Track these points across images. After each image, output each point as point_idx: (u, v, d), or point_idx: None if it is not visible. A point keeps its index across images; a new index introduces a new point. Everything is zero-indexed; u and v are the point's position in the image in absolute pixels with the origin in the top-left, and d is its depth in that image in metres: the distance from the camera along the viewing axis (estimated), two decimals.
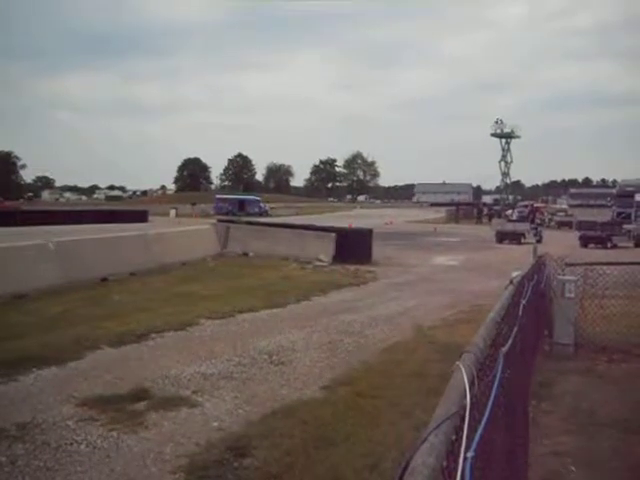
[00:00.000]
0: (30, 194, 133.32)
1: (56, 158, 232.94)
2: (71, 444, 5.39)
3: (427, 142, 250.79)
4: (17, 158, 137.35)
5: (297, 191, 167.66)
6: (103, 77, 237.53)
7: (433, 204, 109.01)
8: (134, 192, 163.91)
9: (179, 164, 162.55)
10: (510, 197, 79.45)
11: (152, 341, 9.21)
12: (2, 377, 7.14)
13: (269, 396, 6.86)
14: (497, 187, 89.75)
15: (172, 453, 5.29)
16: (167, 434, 5.69)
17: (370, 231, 22.50)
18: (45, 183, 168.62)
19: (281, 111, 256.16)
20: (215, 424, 5.97)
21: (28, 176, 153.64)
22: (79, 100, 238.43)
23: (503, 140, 76.96)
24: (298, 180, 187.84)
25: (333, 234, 21.36)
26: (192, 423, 5.99)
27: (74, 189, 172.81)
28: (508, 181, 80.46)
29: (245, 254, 21.21)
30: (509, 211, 52.75)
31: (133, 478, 4.89)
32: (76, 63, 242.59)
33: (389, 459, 5.07)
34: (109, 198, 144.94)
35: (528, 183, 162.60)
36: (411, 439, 5.60)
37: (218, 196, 79.64)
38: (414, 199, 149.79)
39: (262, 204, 72.41)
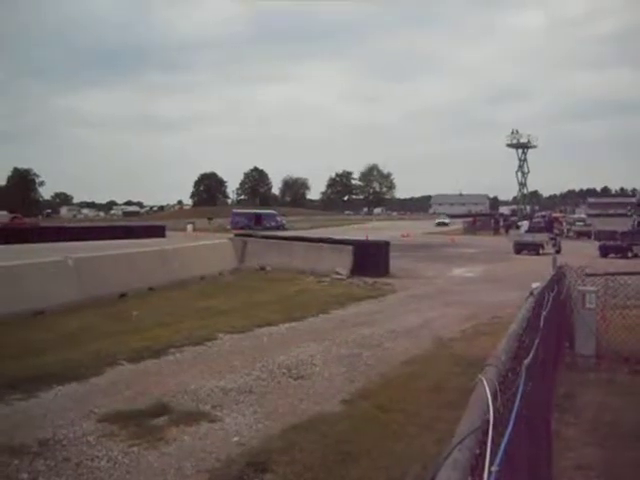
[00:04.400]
0: (48, 211, 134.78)
1: (74, 174, 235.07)
2: (92, 460, 5.40)
3: (443, 153, 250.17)
4: (36, 175, 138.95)
5: (313, 204, 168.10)
6: (120, 93, 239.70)
7: (450, 216, 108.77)
8: (151, 207, 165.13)
9: (195, 179, 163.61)
10: (527, 207, 78.99)
11: (171, 356, 9.23)
12: (23, 393, 7.18)
13: (289, 410, 6.85)
14: (514, 197, 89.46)
15: (192, 468, 5.28)
16: (187, 449, 5.69)
17: (387, 243, 22.46)
18: (63, 199, 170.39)
19: (297, 124, 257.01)
20: (235, 439, 5.97)
21: (47, 193, 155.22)
22: (96, 116, 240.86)
23: (519, 150, 76.67)
24: (314, 193, 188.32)
25: (350, 247, 21.36)
26: (212, 438, 5.99)
27: (92, 205, 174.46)
28: (525, 191, 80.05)
29: (262, 268, 21.23)
30: (521, 222, 52.18)
31: None
32: (93, 80, 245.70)
33: (411, 473, 5.04)
34: (126, 214, 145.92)
35: (546, 193, 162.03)
36: (433, 453, 5.57)
37: (235, 210, 79.93)
38: (430, 211, 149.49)
39: (279, 218, 72.53)
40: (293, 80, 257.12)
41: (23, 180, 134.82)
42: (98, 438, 5.88)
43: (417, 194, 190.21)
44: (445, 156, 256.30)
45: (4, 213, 64.04)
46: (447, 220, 76.57)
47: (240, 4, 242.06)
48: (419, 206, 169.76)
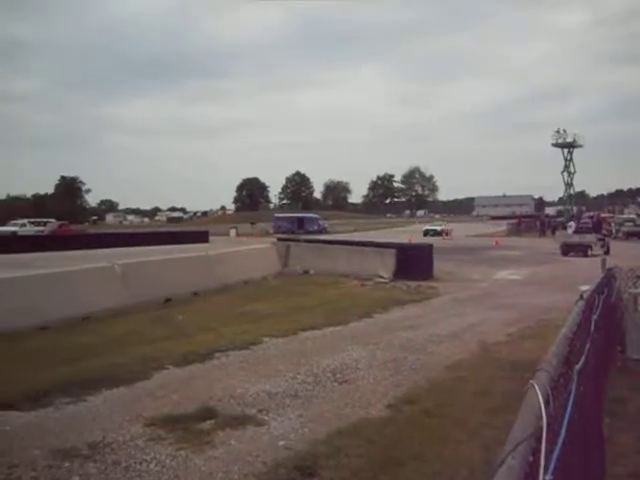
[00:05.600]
0: (95, 217, 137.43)
1: (119, 182, 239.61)
2: (141, 463, 5.47)
3: (487, 154, 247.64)
4: (82, 183, 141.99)
5: (355, 208, 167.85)
6: (162, 101, 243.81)
7: (493, 217, 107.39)
8: (195, 213, 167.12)
9: (238, 184, 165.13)
10: (574, 208, 77.50)
11: (217, 360, 9.31)
12: (73, 397, 7.32)
13: (334, 415, 6.83)
14: (560, 198, 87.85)
15: (240, 472, 5.31)
16: (234, 453, 5.72)
17: (430, 246, 22.28)
18: (109, 206, 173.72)
19: (338, 128, 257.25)
20: (281, 443, 5.97)
21: (93, 200, 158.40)
22: (140, 124, 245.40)
23: (565, 150, 75.23)
24: (356, 197, 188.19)
25: (393, 250, 21.26)
26: (259, 442, 6.01)
27: (137, 212, 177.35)
28: (572, 192, 78.49)
29: (306, 272, 21.30)
30: (569, 223, 51.11)
31: None
32: (137, 89, 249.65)
33: (459, 479, 4.98)
34: (170, 220, 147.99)
35: (593, 193, 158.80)
36: (480, 459, 5.50)
37: (277, 215, 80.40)
38: (474, 213, 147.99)
39: (321, 221, 72.68)
40: (334, 84, 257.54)
41: (70, 188, 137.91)
42: (146, 442, 5.96)
43: (460, 196, 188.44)
44: (489, 157, 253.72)
45: (52, 221, 65.53)
46: (440, 227, 60.06)
47: (280, 10, 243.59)
48: (462, 208, 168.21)
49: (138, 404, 7.13)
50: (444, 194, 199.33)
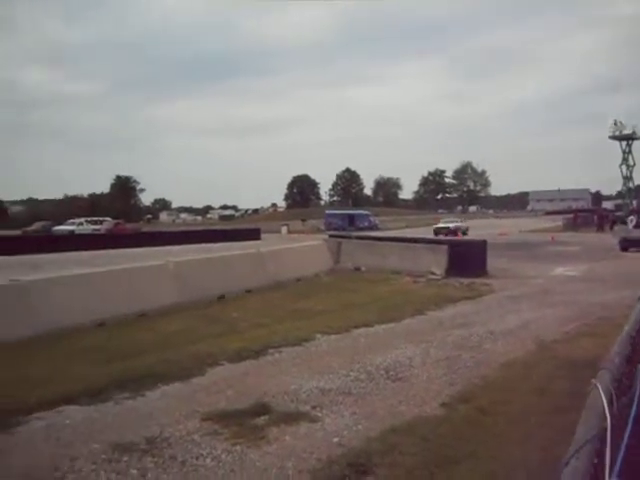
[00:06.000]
0: (149, 216, 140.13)
1: (172, 181, 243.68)
2: (197, 458, 5.55)
3: (541, 148, 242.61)
4: (136, 182, 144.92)
5: (406, 204, 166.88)
6: (213, 100, 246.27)
7: (548, 212, 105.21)
8: (246, 211, 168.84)
9: (289, 181, 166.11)
10: (634, 202, 75.30)
11: (270, 357, 9.38)
12: (131, 392, 7.48)
13: (388, 412, 6.80)
14: (618, 192, 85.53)
15: (294, 468, 5.33)
16: (288, 449, 5.75)
17: (484, 242, 21.96)
18: (162, 205, 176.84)
19: (389, 124, 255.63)
20: (335, 439, 5.98)
21: (147, 199, 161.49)
22: (191, 124, 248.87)
23: (623, 142, 73.15)
24: (407, 193, 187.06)
25: (445, 246, 21.04)
26: (312, 438, 6.02)
27: (189, 210, 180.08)
28: (631, 185, 76.29)
29: (357, 269, 21.28)
30: (630, 217, 49.38)
31: None
32: (188, 88, 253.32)
33: (517, 479, 4.89)
34: (222, 217, 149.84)
35: None
36: (538, 459, 5.40)
37: (328, 211, 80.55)
38: (528, 208, 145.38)
39: (372, 218, 72.50)
40: (383, 81, 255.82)
41: (125, 187, 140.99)
42: (202, 436, 6.04)
43: (513, 191, 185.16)
44: (543, 151, 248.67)
45: (108, 219, 67.05)
46: (453, 224, 52.24)
47: (327, 7, 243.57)
48: (516, 203, 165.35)
49: (194, 399, 7.24)
50: (497, 189, 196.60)
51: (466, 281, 18.19)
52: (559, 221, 66.85)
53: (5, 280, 11.78)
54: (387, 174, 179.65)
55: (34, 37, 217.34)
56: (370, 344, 10.24)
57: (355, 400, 7.24)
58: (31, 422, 6.49)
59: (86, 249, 34.39)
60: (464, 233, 48.60)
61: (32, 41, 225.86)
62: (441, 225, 52.48)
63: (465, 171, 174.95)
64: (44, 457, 5.59)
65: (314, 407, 6.95)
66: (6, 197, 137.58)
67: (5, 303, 10.76)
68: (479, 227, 57.65)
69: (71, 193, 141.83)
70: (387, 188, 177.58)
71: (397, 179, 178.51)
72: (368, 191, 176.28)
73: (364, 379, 8.09)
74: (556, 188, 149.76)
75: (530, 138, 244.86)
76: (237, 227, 63.94)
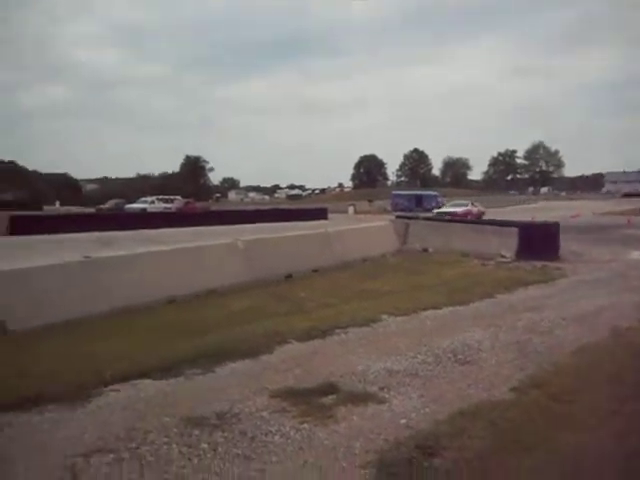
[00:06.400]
0: (218, 195, 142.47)
1: (240, 160, 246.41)
2: (266, 434, 5.63)
3: (617, 128, 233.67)
4: (205, 162, 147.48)
5: (475, 184, 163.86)
6: (281, 80, 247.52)
7: (625, 194, 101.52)
8: (313, 190, 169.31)
9: (355, 161, 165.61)
10: None
11: (337, 337, 9.41)
12: (201, 368, 7.64)
13: (456, 395, 6.74)
14: None
15: (361, 448, 5.35)
16: (356, 429, 5.77)
17: (557, 224, 21.38)
18: (231, 184, 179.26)
19: (455, 103, 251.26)
20: (403, 421, 5.96)
21: (215, 178, 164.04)
22: (260, 103, 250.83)
23: None
24: (476, 173, 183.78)
25: (515, 229, 20.59)
26: (380, 419, 6.02)
27: (257, 189, 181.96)
28: None
29: (425, 250, 21.08)
30: None
31: (325, 471, 5.00)
32: (256, 68, 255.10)
33: (591, 465, 4.77)
34: (290, 197, 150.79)
35: None
36: (612, 447, 5.26)
37: (395, 192, 80.00)
38: (603, 190, 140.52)
39: (439, 199, 71.50)
40: (451, 59, 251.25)
41: (194, 167, 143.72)
42: (271, 414, 6.12)
43: (588, 172, 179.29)
44: (619, 131, 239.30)
45: (179, 198, 68.43)
46: (461, 208, 41.78)
47: None
48: (590, 185, 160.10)
49: (263, 377, 7.34)
50: (570, 170, 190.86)
51: (538, 264, 17.77)
52: (638, 203, 64.28)
53: (80, 257, 12.18)
54: (455, 154, 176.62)
55: (106, 19, 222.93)
56: (437, 326, 10.15)
57: (423, 382, 7.20)
58: (108, 394, 6.73)
59: (157, 227, 35.22)
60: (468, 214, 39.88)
61: (105, 23, 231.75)
62: (444, 209, 42.64)
63: (537, 151, 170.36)
64: (119, 428, 5.78)
65: (381, 388, 6.94)
66: (81, 176, 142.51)
67: (80, 279, 11.13)
68: (551, 209, 56.15)
69: (143, 172, 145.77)
70: (456, 169, 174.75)
71: (466, 159, 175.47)
72: (436, 172, 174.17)
73: (431, 362, 8.03)
74: (636, 169, 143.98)
75: (607, 117, 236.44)
76: (304, 207, 64.28)
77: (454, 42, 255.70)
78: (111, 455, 5.18)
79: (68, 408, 6.31)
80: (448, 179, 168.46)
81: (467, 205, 43.64)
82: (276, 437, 5.58)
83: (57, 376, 7.19)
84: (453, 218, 33.15)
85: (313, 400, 6.47)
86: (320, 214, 46.83)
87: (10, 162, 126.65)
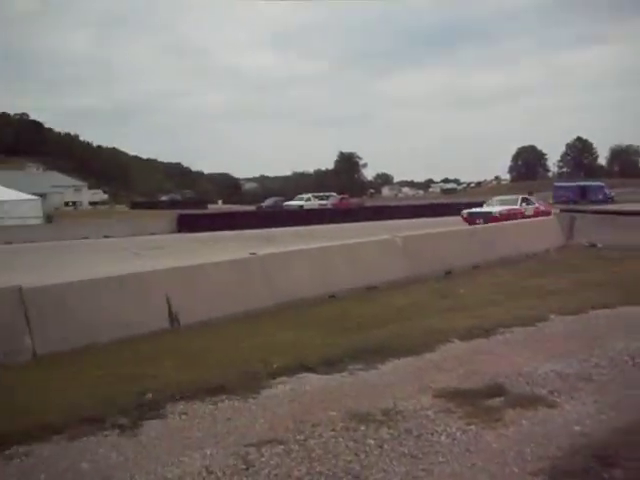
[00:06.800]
0: (372, 191, 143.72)
1: (393, 155, 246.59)
2: (432, 434, 5.56)
3: None
4: (359, 158, 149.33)
5: None
6: (434, 71, 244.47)
7: None
8: (468, 184, 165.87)
9: (513, 153, 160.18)
10: None
11: (501, 336, 9.12)
12: (364, 364, 7.72)
13: (636, 402, 6.29)
14: None
15: (533, 454, 5.13)
16: (526, 433, 5.55)
17: None
18: (384, 180, 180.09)
19: (623, 86, 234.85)
20: (577, 428, 5.65)
21: (369, 174, 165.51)
22: (412, 97, 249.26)
23: None
24: None
25: None
26: (551, 424, 5.75)
27: (411, 184, 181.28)
28: None
29: (592, 245, 19.90)
30: None
31: (494, 475, 4.86)
32: (409, 61, 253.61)
33: None
34: (444, 191, 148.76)
35: None
36: None
37: (557, 184, 76.53)
38: None
39: (607, 190, 67.41)
40: (614, 39, 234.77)
41: (348, 163, 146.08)
42: (436, 413, 6.05)
43: None
44: None
45: (334, 195, 69.74)
46: (502, 207, 32.36)
47: None
48: None
49: (425, 375, 7.28)
50: None
51: None
52: None
53: (245, 253, 12.75)
54: (625, 142, 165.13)
55: (264, 21, 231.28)
56: (610, 327, 9.51)
57: (597, 387, 6.78)
58: (276, 386, 6.99)
59: (314, 223, 36.13)
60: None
61: (262, 25, 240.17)
62: (477, 210, 33.09)
63: None
64: (287, 419, 5.98)
65: (551, 392, 6.62)
66: (241, 175, 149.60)
67: (248, 275, 11.64)
68: None
69: (298, 170, 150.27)
70: (625, 157, 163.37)
71: (638, 147, 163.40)
72: (602, 161, 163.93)
73: (605, 365, 7.54)
74: None
75: None
76: (459, 201, 63.08)
77: (615, 21, 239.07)
78: (281, 446, 5.35)
79: (240, 398, 6.63)
80: (616, 168, 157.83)
81: (516, 202, 33.43)
82: (442, 437, 5.50)
83: (230, 365, 7.65)
84: (524, 217, 28.75)
85: (479, 401, 6.31)
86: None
87: (177, 164, 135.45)
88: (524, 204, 33.09)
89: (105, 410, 6.27)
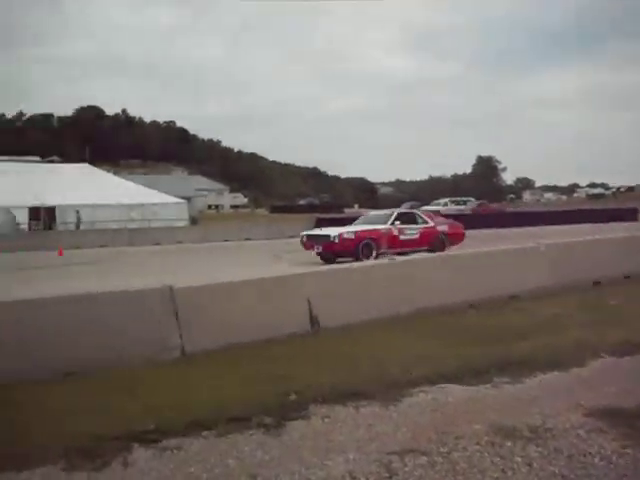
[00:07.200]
0: (512, 196, 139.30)
1: (535, 158, 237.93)
2: (584, 455, 5.26)
3: None
4: (498, 162, 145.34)
5: None
6: (578, 69, 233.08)
7: None
8: (618, 188, 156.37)
9: None
10: None
11: None
12: (509, 377, 7.47)
13: None
14: None
15: None
16: None
17: None
18: (525, 184, 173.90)
19: None
20: None
21: (508, 178, 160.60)
22: (554, 97, 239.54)
23: None
24: None
25: None
26: None
27: (553, 189, 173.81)
28: None
29: None
30: None
31: None
32: (550, 59, 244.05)
33: None
34: (590, 196, 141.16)
35: None
36: None
37: None
38: None
39: None
40: None
41: (486, 167, 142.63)
42: (588, 432, 5.72)
43: None
44: None
45: (472, 200, 68.27)
46: (334, 232, 22.71)
47: None
48: None
49: (574, 391, 6.92)
50: None
51: None
52: None
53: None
54: None
55: (398, 24, 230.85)
56: None
57: None
58: (417, 395, 6.92)
59: None
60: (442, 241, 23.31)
61: (395, 28, 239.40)
62: (314, 233, 24.90)
63: None
64: (429, 430, 5.89)
65: None
66: (377, 179, 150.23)
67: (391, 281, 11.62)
68: None
69: (435, 174, 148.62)
70: None
71: None
72: None
73: None
74: None
75: None
76: (607, 207, 59.72)
77: None
78: (424, 457, 5.28)
79: (381, 404, 6.62)
80: None
81: (389, 218, 23.62)
82: (596, 459, 5.18)
83: (369, 371, 7.67)
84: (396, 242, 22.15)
85: (636, 423, 5.90)
86: (627, 215, 43.11)
87: (313, 168, 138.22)
88: (398, 223, 23.17)
89: (250, 409, 6.47)
